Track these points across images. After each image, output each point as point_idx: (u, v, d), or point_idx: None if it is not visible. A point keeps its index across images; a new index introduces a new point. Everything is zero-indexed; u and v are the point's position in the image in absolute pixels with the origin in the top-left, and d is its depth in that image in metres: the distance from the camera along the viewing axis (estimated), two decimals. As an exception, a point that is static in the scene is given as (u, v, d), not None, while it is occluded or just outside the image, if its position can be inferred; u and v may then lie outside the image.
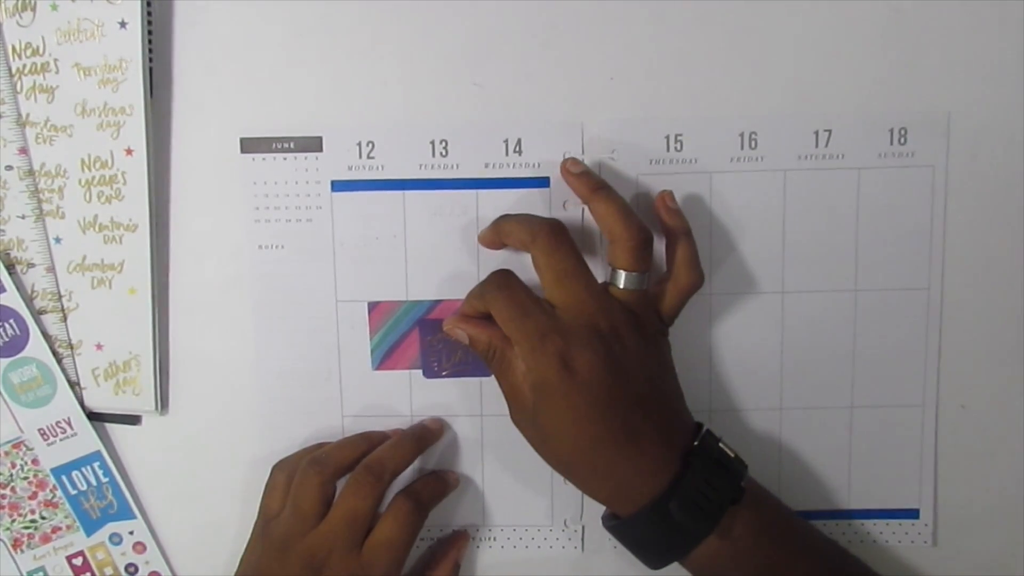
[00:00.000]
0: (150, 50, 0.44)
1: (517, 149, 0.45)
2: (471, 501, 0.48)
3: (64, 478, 0.47)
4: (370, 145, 0.45)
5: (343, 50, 0.45)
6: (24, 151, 0.45)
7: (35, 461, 0.47)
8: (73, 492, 0.48)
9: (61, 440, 0.47)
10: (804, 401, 0.47)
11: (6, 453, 0.47)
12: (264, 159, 0.46)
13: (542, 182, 0.46)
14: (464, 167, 0.46)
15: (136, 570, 0.49)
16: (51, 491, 0.48)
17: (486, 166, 0.46)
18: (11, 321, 0.46)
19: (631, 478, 0.40)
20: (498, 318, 0.41)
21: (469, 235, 0.46)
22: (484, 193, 0.46)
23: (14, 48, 0.44)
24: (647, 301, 0.42)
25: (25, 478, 0.47)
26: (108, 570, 0.49)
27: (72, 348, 0.47)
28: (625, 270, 0.41)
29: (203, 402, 0.48)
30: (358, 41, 0.45)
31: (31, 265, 0.46)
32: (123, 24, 0.43)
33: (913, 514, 0.48)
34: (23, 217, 0.45)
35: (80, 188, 0.45)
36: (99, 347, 0.46)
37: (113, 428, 0.48)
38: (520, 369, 0.40)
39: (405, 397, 0.47)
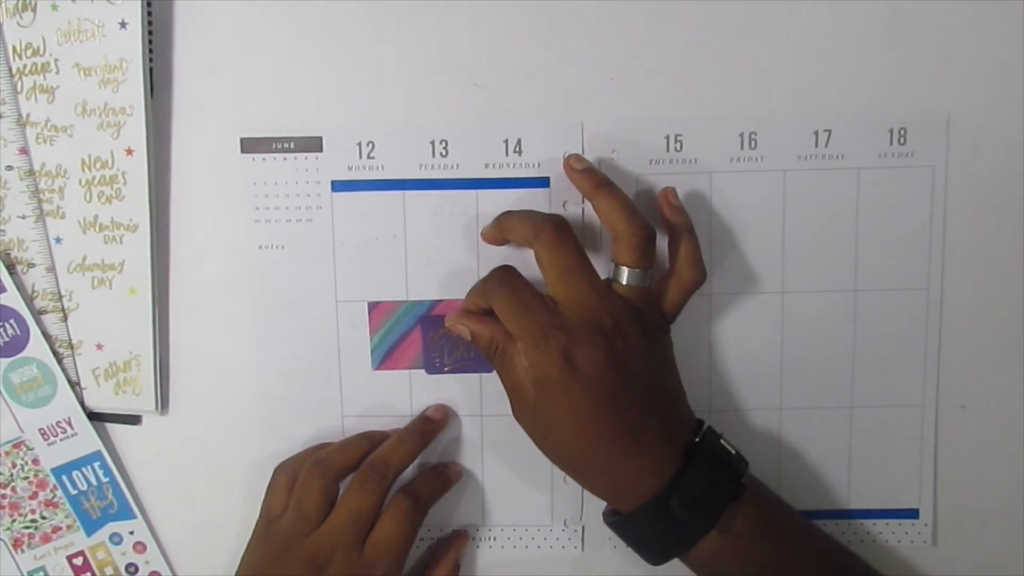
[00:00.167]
0: (150, 50, 0.44)
1: (517, 149, 0.45)
2: (471, 500, 0.48)
3: (64, 478, 0.47)
4: (370, 145, 0.45)
5: (343, 50, 0.45)
6: (24, 151, 0.45)
7: (35, 461, 0.47)
8: (73, 492, 0.48)
9: (61, 440, 0.47)
10: (804, 401, 0.47)
11: (6, 453, 0.47)
12: (264, 159, 0.46)
13: (542, 182, 0.46)
14: (464, 167, 0.46)
15: (136, 570, 0.49)
16: (51, 491, 0.48)
17: (486, 166, 0.46)
18: (11, 321, 0.46)
19: (632, 474, 0.40)
20: (500, 314, 0.41)
21: (469, 235, 0.46)
22: (484, 193, 0.46)
23: (14, 48, 0.44)
24: (649, 298, 0.42)
25: (25, 478, 0.47)
26: (108, 570, 0.49)
27: (72, 348, 0.47)
28: (628, 266, 0.41)
29: (203, 402, 0.48)
30: (358, 41, 0.45)
31: (31, 265, 0.46)
32: (123, 24, 0.43)
33: (913, 514, 0.48)
34: (23, 217, 0.45)
35: (80, 188, 0.45)
36: (99, 347, 0.46)
37: (113, 428, 0.48)
38: (522, 365, 0.40)
39: (405, 397, 0.47)
